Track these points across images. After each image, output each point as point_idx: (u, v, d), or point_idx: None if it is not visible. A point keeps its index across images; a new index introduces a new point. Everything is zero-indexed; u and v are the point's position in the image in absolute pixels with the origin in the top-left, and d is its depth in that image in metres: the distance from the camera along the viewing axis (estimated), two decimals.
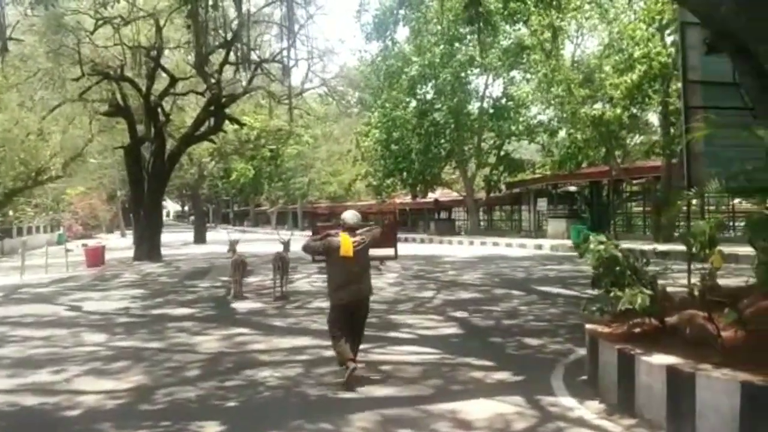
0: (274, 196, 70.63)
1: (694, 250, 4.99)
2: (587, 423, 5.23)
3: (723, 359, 4.91)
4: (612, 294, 5.63)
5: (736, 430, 4.48)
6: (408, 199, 50.91)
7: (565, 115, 27.74)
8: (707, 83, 7.93)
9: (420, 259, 22.38)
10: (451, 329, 9.41)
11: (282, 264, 12.98)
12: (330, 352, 6.91)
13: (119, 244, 39.64)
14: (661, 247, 22.85)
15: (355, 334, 6.75)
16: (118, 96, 23.59)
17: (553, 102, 28.05)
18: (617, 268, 5.94)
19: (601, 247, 5.82)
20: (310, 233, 20.07)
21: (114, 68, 21.34)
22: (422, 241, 36.50)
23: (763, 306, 5.68)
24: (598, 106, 26.22)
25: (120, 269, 21.24)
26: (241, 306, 11.99)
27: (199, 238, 41.07)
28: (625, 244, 19.28)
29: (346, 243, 6.63)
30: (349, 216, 7.04)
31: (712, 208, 29.46)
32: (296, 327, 9.80)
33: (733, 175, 6.69)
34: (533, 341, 8.41)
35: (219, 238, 19.98)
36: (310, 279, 16.37)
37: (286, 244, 13.73)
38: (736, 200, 28.38)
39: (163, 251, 30.28)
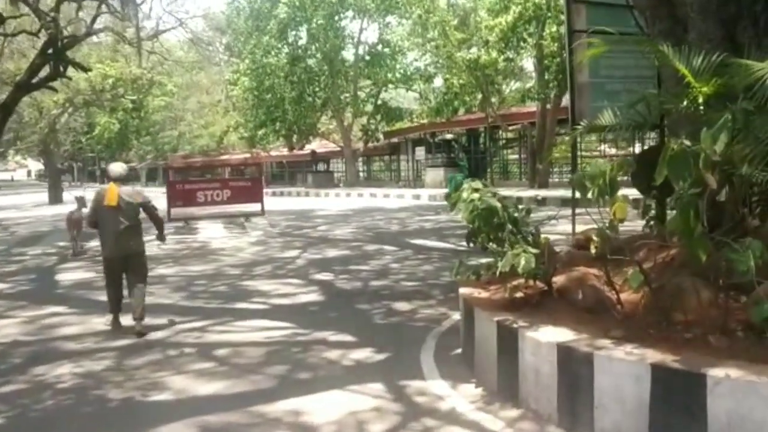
0: (143, 151, 66.53)
1: (589, 195, 3.89)
2: (460, 418, 4.11)
3: (625, 332, 3.90)
4: (490, 253, 4.50)
5: (645, 423, 3.50)
6: (286, 151, 49.10)
7: (440, 61, 26.78)
8: (593, 3, 6.91)
9: (291, 214, 20.93)
10: (312, 296, 8.13)
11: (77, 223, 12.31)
12: (157, 335, 6.36)
13: None
14: (537, 192, 22.65)
15: (132, 287, 6.76)
16: None
17: (428, 47, 26.94)
18: (495, 221, 4.82)
19: (476, 196, 4.66)
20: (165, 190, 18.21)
21: None
22: (298, 194, 34.96)
23: (664, 258, 4.74)
24: (474, 51, 25.41)
25: None
26: (67, 277, 10.14)
27: (54, 198, 37.47)
28: (503, 192, 18.67)
29: (111, 192, 6.63)
30: (113, 168, 7.10)
31: (585, 153, 29.86)
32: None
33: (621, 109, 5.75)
34: (403, 306, 7.29)
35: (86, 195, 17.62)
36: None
37: (81, 200, 12.55)
38: (605, 146, 28.93)
39: (8, 214, 27.22)
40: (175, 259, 11.58)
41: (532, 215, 5.59)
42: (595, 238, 4.43)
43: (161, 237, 7.70)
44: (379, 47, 38.19)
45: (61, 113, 36.75)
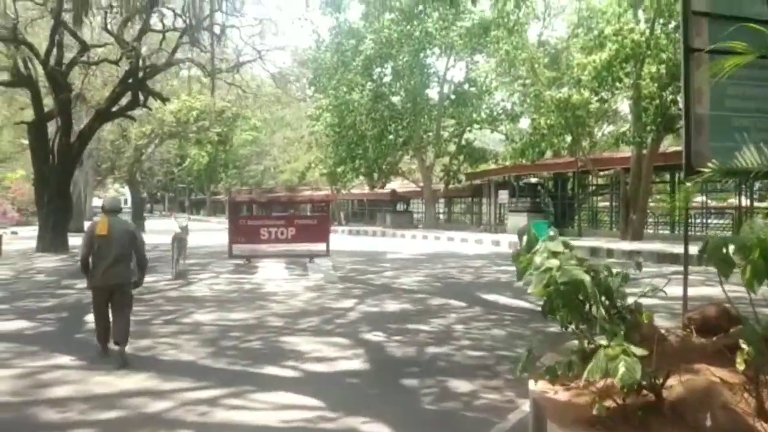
0: (229, 184, 67.70)
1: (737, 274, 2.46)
2: None
3: None
4: (573, 355, 3.09)
5: None
6: (367, 190, 48.43)
7: (528, 100, 25.31)
8: (717, 17, 5.42)
9: (360, 255, 19.78)
10: (354, 362, 6.82)
11: (179, 243, 14.71)
12: (156, 406, 5.34)
13: None
14: (630, 245, 20.65)
15: (116, 321, 6.91)
16: (20, 63, 20.46)
17: (515, 85, 25.53)
18: (580, 298, 3.41)
19: (554, 263, 3.27)
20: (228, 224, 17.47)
21: (2, 26, 18.20)
22: (374, 234, 33.90)
23: None
24: (565, 90, 23.82)
25: (10, 261, 18.27)
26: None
27: (138, 228, 37.98)
28: (591, 242, 16.60)
29: (102, 223, 6.88)
30: (107, 200, 7.48)
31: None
32: (145, 356, 7.11)
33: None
34: (462, 385, 5.87)
35: (166, 227, 17.31)
36: (216, 280, 13.63)
37: (184, 229, 15.48)
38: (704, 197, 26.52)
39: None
40: (220, 303, 10.54)
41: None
42: (744, 346, 2.92)
43: (139, 279, 7.31)
44: (465, 86, 37.07)
45: (146, 144, 37.31)
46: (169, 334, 8.16)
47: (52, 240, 20.89)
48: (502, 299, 10.83)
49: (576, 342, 4.16)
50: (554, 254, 3.40)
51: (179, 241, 14.80)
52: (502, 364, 6.57)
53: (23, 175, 59.00)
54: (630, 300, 4.14)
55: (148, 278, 13.51)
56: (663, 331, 4.82)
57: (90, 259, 6.95)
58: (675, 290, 6.43)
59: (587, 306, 3.65)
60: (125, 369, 6.39)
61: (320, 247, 16.90)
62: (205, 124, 37.72)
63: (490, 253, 21.33)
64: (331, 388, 5.89)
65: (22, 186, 54.04)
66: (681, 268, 6.41)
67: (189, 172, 68.05)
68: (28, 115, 23.23)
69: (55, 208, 21.03)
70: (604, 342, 3.32)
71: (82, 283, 12.93)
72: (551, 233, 14.48)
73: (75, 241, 28.47)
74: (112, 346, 6.90)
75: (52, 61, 20.18)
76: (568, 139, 27.25)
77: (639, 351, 2.92)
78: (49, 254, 20.31)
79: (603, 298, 3.78)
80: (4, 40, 18.55)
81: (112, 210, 7.10)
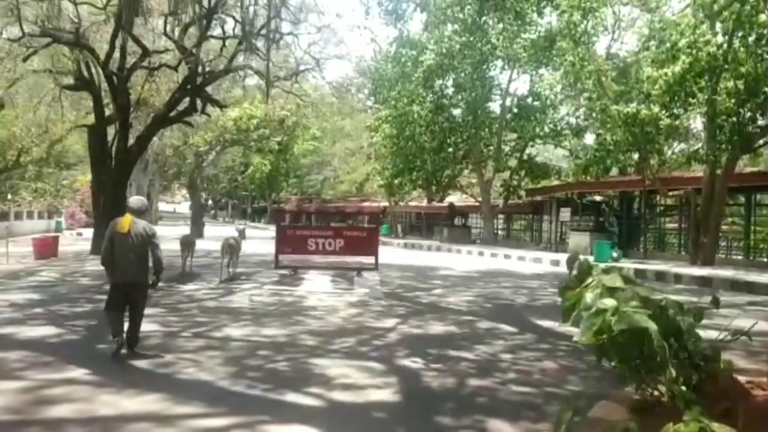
0: (289, 192, 68.25)
1: None
2: None
3: None
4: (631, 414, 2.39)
5: None
6: (425, 203, 47.79)
7: (594, 114, 24.21)
8: None
9: (411, 270, 19.11)
10: (386, 392, 6.15)
11: (230, 249, 15.03)
12: None
13: None
14: (700, 271, 19.34)
15: (131, 317, 7.30)
16: (83, 66, 20.72)
17: (581, 99, 24.46)
18: (644, 350, 2.69)
19: (610, 304, 2.56)
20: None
21: (66, 31, 18.41)
22: (429, 248, 33.16)
23: None
24: (633, 105, 22.64)
25: (62, 263, 18.38)
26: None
27: (195, 233, 38.26)
28: (657, 265, 15.58)
29: (124, 220, 7.31)
30: (133, 201, 7.80)
31: None
32: (162, 373, 6.63)
33: None
34: (504, 427, 5.16)
35: (225, 233, 17.35)
36: (258, 291, 13.19)
37: (242, 232, 16.53)
38: None
39: None
40: (256, 316, 10.05)
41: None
42: None
43: (155, 280, 7.60)
44: (529, 99, 36.05)
45: (207, 150, 37.65)
46: (195, 349, 7.68)
47: None
48: (557, 328, 9.99)
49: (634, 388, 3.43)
50: (611, 291, 2.69)
51: (230, 247, 15.03)
52: (551, 404, 5.81)
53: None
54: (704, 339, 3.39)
55: (190, 286, 13.35)
56: (745, 382, 4.02)
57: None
58: (749, 323, 5.56)
59: (650, 354, 2.92)
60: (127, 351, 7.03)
61: (369, 260, 16.35)
62: (266, 133, 37.88)
63: (548, 273, 20.35)
64: (353, 422, 5.28)
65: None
66: (757, 298, 5.53)
67: (252, 180, 69.05)
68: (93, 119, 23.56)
69: (110, 210, 21.07)
70: (667, 390, 2.59)
71: None
72: (614, 255, 13.76)
73: None
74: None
75: (114, 66, 20.37)
76: (635, 156, 26.04)
77: (721, 428, 2.19)
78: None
79: (672, 341, 3.04)
80: (68, 43, 18.75)
81: (136, 210, 7.53)
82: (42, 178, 46.61)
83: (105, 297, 11.48)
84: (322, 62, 23.85)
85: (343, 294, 13.05)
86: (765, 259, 23.36)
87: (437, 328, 9.52)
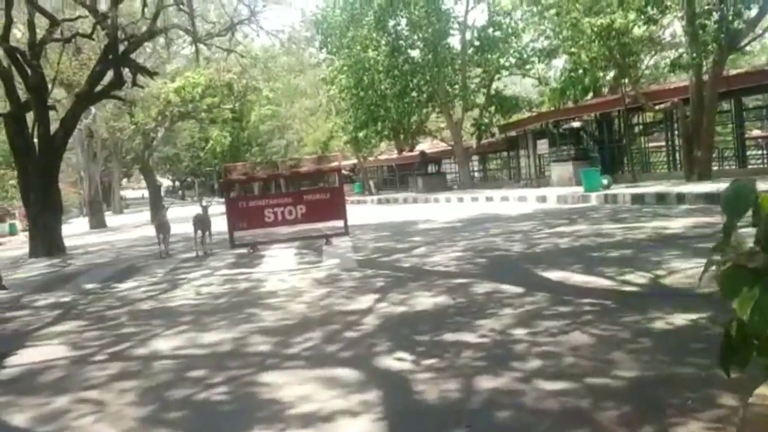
0: (252, 162, 65.68)
1: None
2: None
3: None
4: None
5: None
6: (395, 154, 45.78)
7: (563, 32, 22.12)
8: None
9: (387, 228, 17.17)
10: (364, 421, 4.20)
11: (201, 224, 14.78)
12: None
13: (78, 230, 34.31)
14: (701, 187, 17.63)
15: None
16: None
17: (546, 15, 22.30)
18: None
19: None
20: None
21: None
22: (405, 201, 31.22)
23: None
24: (606, 15, 20.57)
25: None
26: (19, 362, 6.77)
27: (155, 217, 35.92)
28: (652, 187, 13.53)
29: None
30: None
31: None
32: None
33: None
34: None
35: (192, 213, 15.68)
36: (209, 279, 11.12)
37: (206, 209, 14.99)
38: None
39: (104, 238, 25.52)
40: (199, 315, 8.02)
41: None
42: None
43: None
44: (489, 30, 33.84)
45: (154, 128, 35.00)
46: (104, 381, 5.63)
47: (44, 243, 18.74)
48: (571, 277, 8.10)
49: None
50: None
51: (201, 222, 14.78)
52: (605, 404, 3.92)
53: None
54: None
55: (129, 284, 11.26)
56: None
57: None
58: None
59: None
60: None
61: (338, 224, 14.38)
62: (215, 101, 35.31)
63: (537, 211, 18.53)
64: None
65: None
66: None
67: (214, 155, 66.44)
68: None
69: (43, 206, 18.82)
70: None
71: (47, 299, 10.64)
72: (605, 182, 11.08)
73: (93, 238, 26.52)
74: None
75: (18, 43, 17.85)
76: (610, 74, 24.15)
77: None
78: (43, 259, 18.24)
79: None
80: None
81: None
82: None
83: (12, 316, 9.51)
84: (257, 11, 21.12)
85: (309, 270, 11.03)
86: (763, 166, 21.80)
87: (425, 300, 7.57)
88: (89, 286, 11.68)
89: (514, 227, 14.52)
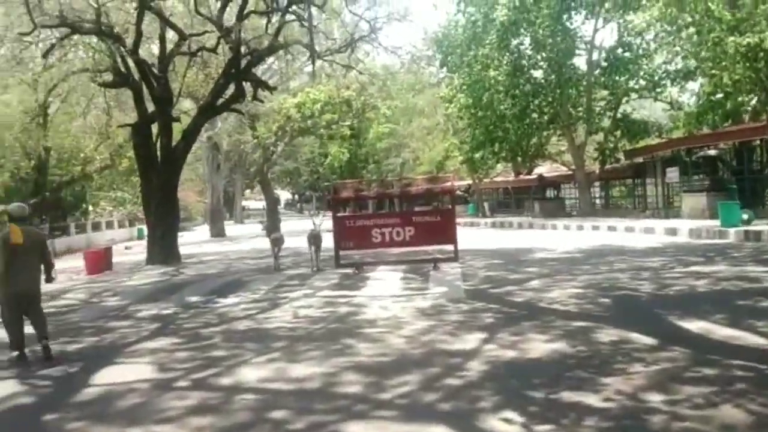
0: (368, 179, 66.10)
1: None
2: None
3: None
4: None
5: None
6: (512, 177, 44.46)
7: (703, 52, 20.36)
8: None
9: (499, 255, 16.22)
10: None
11: (315, 240, 14.89)
12: None
13: (200, 238, 35.65)
14: None
15: (35, 325, 7.32)
16: (119, 61, 18.86)
17: (683, 33, 20.57)
18: None
19: None
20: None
21: (88, 20, 16.47)
22: (520, 226, 29.97)
23: None
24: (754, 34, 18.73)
25: (109, 278, 16.59)
26: (108, 377, 6.48)
27: (272, 229, 36.57)
28: None
29: (15, 232, 7.04)
30: (12, 208, 7.58)
31: None
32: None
33: None
34: None
35: (306, 227, 16.12)
36: (309, 300, 10.66)
37: (318, 226, 15.12)
38: None
39: (220, 247, 26.09)
40: (292, 342, 7.51)
41: None
42: None
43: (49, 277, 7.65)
44: (618, 51, 32.09)
45: (274, 142, 35.66)
46: (180, 414, 5.18)
47: (161, 251, 19.17)
48: (714, 330, 6.95)
49: None
50: None
51: (315, 238, 14.91)
52: None
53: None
54: None
55: (230, 299, 11.03)
56: None
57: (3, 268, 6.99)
58: None
59: None
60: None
61: (448, 248, 13.64)
62: (334, 118, 35.58)
63: (667, 245, 16.97)
64: None
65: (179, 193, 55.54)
66: None
67: (332, 170, 67.58)
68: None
69: (162, 215, 19.30)
70: None
71: (150, 310, 10.55)
72: (745, 217, 9.22)
73: (210, 246, 27.12)
74: None
75: (153, 56, 18.46)
76: (754, 99, 22.09)
77: None
78: (158, 266, 18.63)
79: None
80: (89, 33, 16.84)
81: (18, 218, 7.36)
82: (120, 186, 46.29)
83: (119, 325, 9.42)
84: (378, 27, 20.83)
85: (413, 297, 10.33)
86: None
87: (539, 346, 6.67)
88: (192, 299, 11.56)
89: (642, 263, 13.21)
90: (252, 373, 6.20)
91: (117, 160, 32.57)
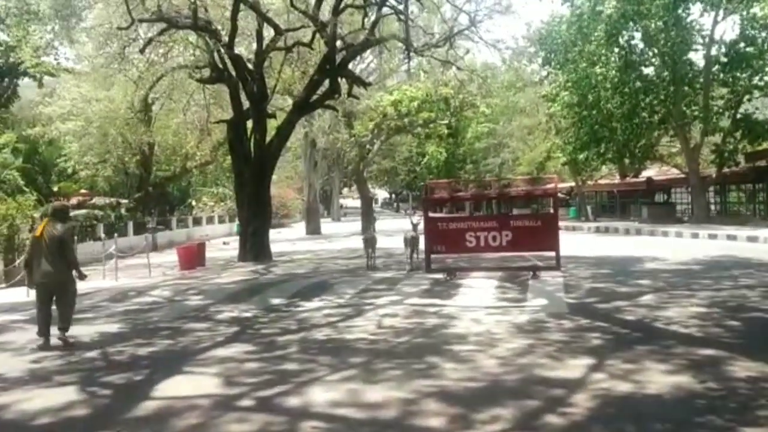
0: (466, 180, 64.92)
1: None
2: None
3: None
4: None
5: None
6: (617, 179, 42.22)
7: None
8: None
9: (605, 264, 14.93)
10: None
11: (412, 241, 14.68)
12: None
13: (296, 235, 35.95)
14: None
15: (60, 312, 7.82)
16: (216, 57, 18.84)
17: None
18: None
19: None
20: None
21: (185, 16, 16.40)
22: (627, 232, 28.13)
23: None
24: None
25: (200, 274, 16.52)
26: (179, 385, 5.97)
27: (365, 228, 36.23)
28: None
29: (40, 225, 8.09)
30: (54, 205, 9.09)
31: None
32: None
33: None
34: None
35: (401, 227, 16.47)
36: (395, 308, 9.91)
37: (416, 226, 14.61)
38: None
39: (313, 246, 26.00)
40: (371, 358, 6.76)
41: None
42: None
43: (79, 275, 8.11)
44: (740, 45, 29.59)
45: (370, 140, 35.27)
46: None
47: (252, 248, 19.04)
48: None
49: None
50: None
51: (411, 239, 14.75)
52: None
53: (273, 179, 61.80)
54: None
55: (315, 303, 10.47)
56: None
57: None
58: None
59: None
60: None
61: (549, 255, 12.58)
62: (431, 116, 34.81)
63: None
64: None
65: (278, 190, 56.82)
66: None
67: (429, 170, 67.02)
68: None
69: (254, 212, 19.15)
70: None
71: (231, 312, 10.13)
72: None
73: (304, 244, 27.09)
74: None
75: (250, 52, 18.32)
76: None
77: None
78: (249, 263, 18.50)
79: None
80: (185, 27, 16.81)
81: (52, 214, 8.19)
82: (222, 182, 47.43)
83: (198, 327, 9.00)
84: (478, 20, 19.81)
85: (509, 310, 9.38)
86: None
87: (659, 378, 5.62)
88: (275, 301, 11.08)
89: None
90: (322, 395, 5.50)
91: (217, 156, 33.12)
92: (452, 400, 5.24)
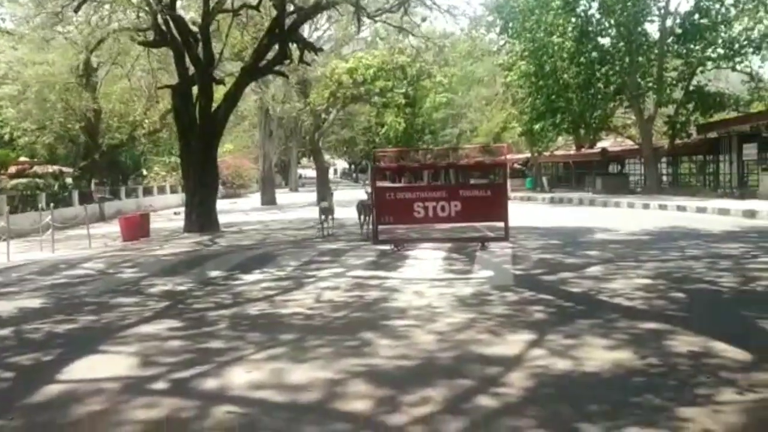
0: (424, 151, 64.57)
1: None
2: None
3: None
4: None
5: None
6: (573, 151, 42.40)
7: None
8: None
9: (556, 235, 14.81)
10: None
11: (365, 210, 14.93)
12: None
13: (248, 206, 35.20)
14: None
15: None
16: (160, 19, 17.98)
17: None
18: None
19: None
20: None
21: None
22: (581, 202, 28.22)
23: None
24: None
25: (142, 246, 15.92)
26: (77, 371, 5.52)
27: (322, 198, 35.71)
28: None
29: None
30: None
31: None
32: None
33: None
34: None
35: (358, 197, 16.64)
36: (339, 280, 9.54)
37: (370, 195, 13.94)
38: None
39: (266, 216, 25.52)
40: (305, 333, 6.41)
41: None
42: None
43: None
44: (695, 17, 29.67)
45: (326, 110, 34.61)
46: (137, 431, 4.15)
47: (198, 219, 18.46)
48: None
49: None
50: None
51: (364, 207, 15.00)
52: None
53: (229, 149, 60.58)
54: None
55: (254, 276, 10.02)
56: None
57: None
58: None
59: None
60: None
61: (498, 226, 12.35)
62: (388, 85, 34.29)
63: (746, 229, 15.22)
64: None
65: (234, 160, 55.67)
66: None
67: (388, 140, 66.49)
68: None
69: (200, 182, 18.53)
70: None
71: (165, 285, 9.66)
72: None
73: (256, 215, 26.55)
74: None
75: (195, 14, 17.52)
76: None
77: None
78: (195, 234, 17.95)
79: None
80: None
81: None
82: (174, 151, 46.22)
83: (120, 302, 8.48)
84: None
85: (454, 282, 9.10)
86: None
87: (599, 354, 5.38)
88: (213, 274, 10.64)
89: (719, 249, 11.61)
90: (243, 377, 5.11)
91: (167, 124, 32.12)
92: (381, 381, 4.91)
